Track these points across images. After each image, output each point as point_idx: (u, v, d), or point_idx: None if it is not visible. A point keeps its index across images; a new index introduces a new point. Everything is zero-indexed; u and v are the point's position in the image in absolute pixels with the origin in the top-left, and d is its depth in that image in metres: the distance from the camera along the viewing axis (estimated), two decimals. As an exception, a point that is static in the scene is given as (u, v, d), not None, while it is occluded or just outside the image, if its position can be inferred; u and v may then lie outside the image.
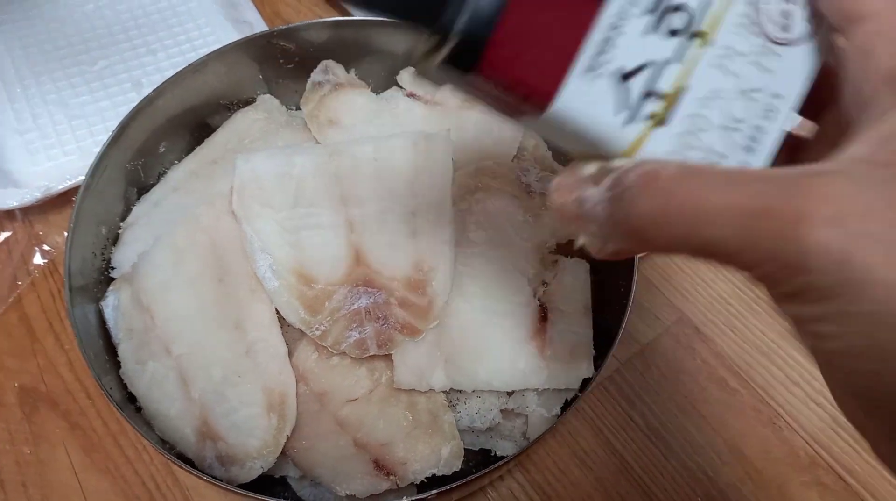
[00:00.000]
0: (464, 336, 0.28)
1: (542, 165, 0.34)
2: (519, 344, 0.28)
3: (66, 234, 0.37)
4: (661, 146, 0.16)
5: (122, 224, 0.32)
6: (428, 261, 0.28)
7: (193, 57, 0.42)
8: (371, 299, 0.27)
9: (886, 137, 0.13)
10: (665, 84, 0.15)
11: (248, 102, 0.36)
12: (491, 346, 0.28)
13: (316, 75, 0.35)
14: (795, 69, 0.16)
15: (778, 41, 0.16)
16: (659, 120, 0.16)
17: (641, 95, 0.15)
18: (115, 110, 0.40)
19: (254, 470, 0.26)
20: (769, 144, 0.16)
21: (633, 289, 0.28)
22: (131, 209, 0.33)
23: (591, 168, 0.15)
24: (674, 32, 0.15)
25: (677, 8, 0.15)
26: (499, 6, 0.14)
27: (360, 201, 0.29)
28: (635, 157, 0.15)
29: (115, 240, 0.32)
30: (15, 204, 0.35)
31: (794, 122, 0.17)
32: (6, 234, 0.37)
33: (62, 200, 0.37)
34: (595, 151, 0.16)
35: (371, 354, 0.27)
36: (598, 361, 0.28)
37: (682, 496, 0.31)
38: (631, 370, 0.35)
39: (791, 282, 0.12)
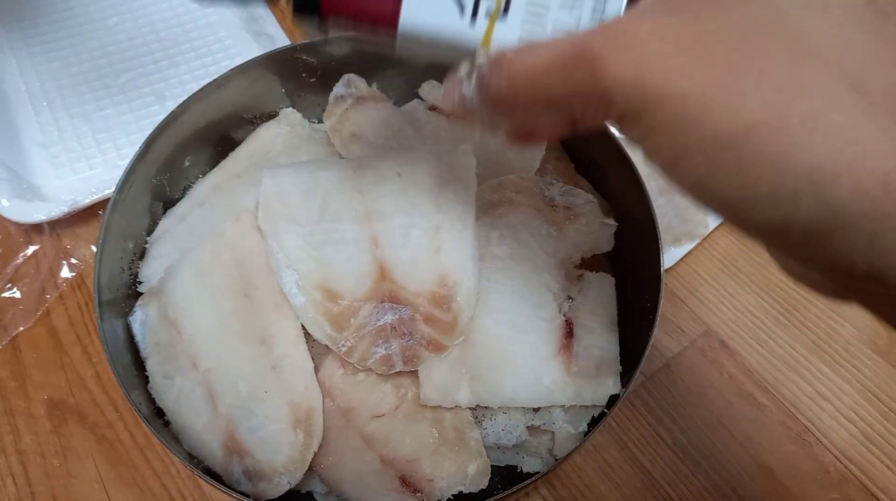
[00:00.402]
0: (489, 352, 0.28)
1: (566, 178, 0.33)
2: (544, 360, 0.28)
3: (93, 248, 0.37)
4: (507, 36, 0.18)
5: (148, 239, 0.32)
6: (452, 276, 0.28)
7: (215, 69, 0.42)
8: (396, 316, 0.27)
9: None
10: None
11: (271, 115, 0.36)
12: (516, 362, 0.28)
13: (338, 89, 0.35)
14: None
15: None
16: (498, 12, 0.18)
17: None
18: (139, 123, 0.41)
19: (281, 486, 0.26)
20: (616, 4, 0.18)
21: (661, 304, 0.28)
22: (157, 224, 0.33)
23: (463, 69, 0.18)
24: None
25: None
26: None
27: (384, 215, 0.30)
28: (490, 50, 0.18)
29: (141, 255, 0.32)
30: (43, 218, 0.36)
31: None
32: (34, 247, 0.37)
33: (89, 213, 0.38)
34: (458, 53, 0.18)
35: (397, 370, 0.27)
36: (625, 377, 0.28)
37: (709, 513, 0.31)
38: (657, 384, 0.34)
39: (610, 115, 0.15)
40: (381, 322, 0.27)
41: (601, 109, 0.15)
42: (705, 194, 0.14)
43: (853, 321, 0.36)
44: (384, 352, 0.27)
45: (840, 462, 0.32)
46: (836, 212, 0.12)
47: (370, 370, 0.27)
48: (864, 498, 0.31)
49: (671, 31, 0.14)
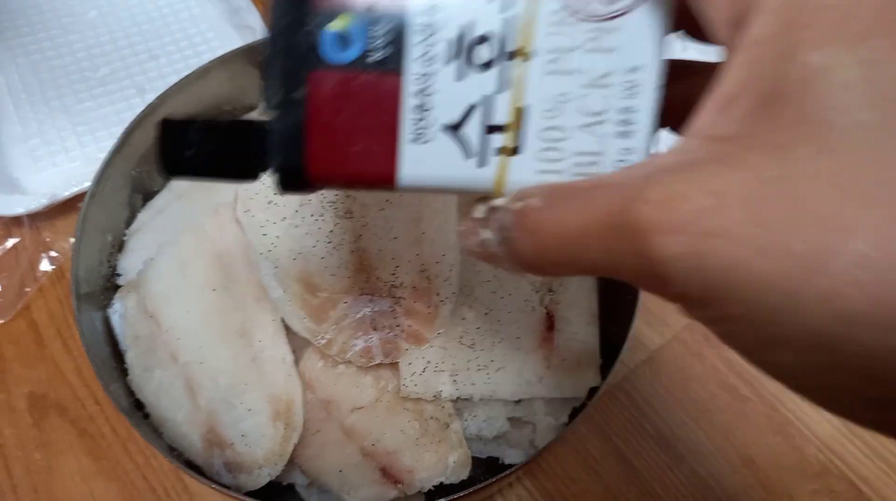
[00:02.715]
0: (470, 344, 0.28)
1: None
2: (525, 353, 0.28)
3: (72, 240, 0.37)
4: (525, 172, 0.15)
5: (127, 231, 0.32)
6: (433, 268, 0.28)
7: (196, 62, 0.42)
8: (376, 308, 0.27)
9: (725, 102, 0.12)
10: (501, 114, 0.15)
11: (252, 107, 0.35)
12: (497, 355, 0.28)
13: (320, 80, 0.34)
14: (644, 32, 0.15)
15: (609, 16, 0.15)
16: (511, 149, 0.15)
17: (481, 134, 0.15)
18: (119, 116, 0.40)
19: (262, 478, 0.26)
20: (644, 121, 0.15)
21: (640, 297, 0.27)
22: (136, 216, 0.33)
23: (480, 211, 0.15)
24: (488, 64, 0.15)
25: (481, 40, 0.15)
26: (298, 132, 0.15)
27: (364, 207, 0.29)
28: (505, 191, 0.15)
29: (120, 247, 0.32)
30: (22, 211, 0.36)
31: (661, 83, 0.15)
32: (14, 240, 0.37)
33: (68, 206, 0.37)
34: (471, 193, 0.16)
35: (377, 362, 0.27)
36: (605, 369, 0.28)
37: (691, 503, 0.31)
38: (640, 376, 0.34)
39: (666, 295, 0.12)
40: (360, 314, 0.27)
41: (654, 289, 0.12)
42: (801, 388, 0.11)
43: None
44: (364, 344, 0.27)
45: (822, 452, 0.32)
46: None
47: (350, 362, 0.27)
48: (845, 489, 0.32)
49: (730, 193, 0.10)
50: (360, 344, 0.27)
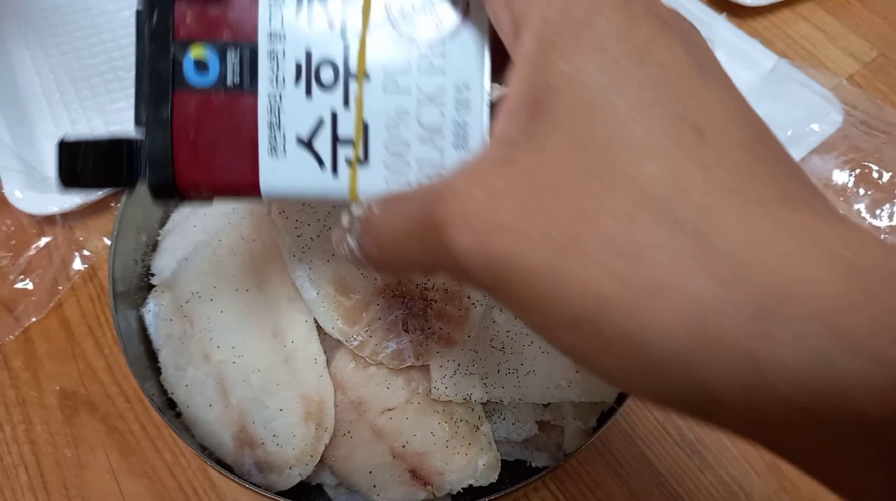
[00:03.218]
0: (500, 348, 0.28)
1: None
2: (554, 357, 0.28)
3: (105, 240, 0.38)
4: (373, 182, 0.17)
5: (160, 231, 0.33)
6: (464, 272, 0.29)
7: (226, 64, 0.42)
8: (408, 310, 0.28)
9: (509, 110, 0.13)
10: (347, 128, 0.16)
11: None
12: (526, 358, 0.28)
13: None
14: (468, 53, 0.16)
15: (436, 39, 0.16)
16: (358, 160, 0.17)
17: (332, 147, 0.17)
18: (151, 117, 0.41)
19: (292, 478, 0.27)
20: (476, 132, 0.16)
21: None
22: (170, 216, 0.33)
23: (345, 219, 0.16)
24: (333, 84, 0.16)
25: (325, 63, 0.16)
26: (166, 147, 0.16)
27: (396, 210, 0.30)
28: (358, 199, 0.17)
29: (154, 247, 0.32)
30: (56, 210, 0.36)
31: (495, 93, 0.16)
32: (47, 239, 0.37)
33: (101, 205, 0.38)
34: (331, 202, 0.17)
35: (408, 364, 0.27)
36: (635, 374, 0.28)
37: (716, 509, 0.31)
38: (664, 381, 0.34)
39: (474, 285, 0.13)
40: (392, 317, 0.28)
41: (465, 281, 0.13)
42: (586, 365, 0.12)
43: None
44: (396, 347, 0.27)
45: (847, 460, 0.32)
46: (707, 386, 0.10)
47: (381, 364, 0.27)
48: (871, 497, 0.31)
49: (506, 190, 0.12)
50: (391, 346, 0.27)
